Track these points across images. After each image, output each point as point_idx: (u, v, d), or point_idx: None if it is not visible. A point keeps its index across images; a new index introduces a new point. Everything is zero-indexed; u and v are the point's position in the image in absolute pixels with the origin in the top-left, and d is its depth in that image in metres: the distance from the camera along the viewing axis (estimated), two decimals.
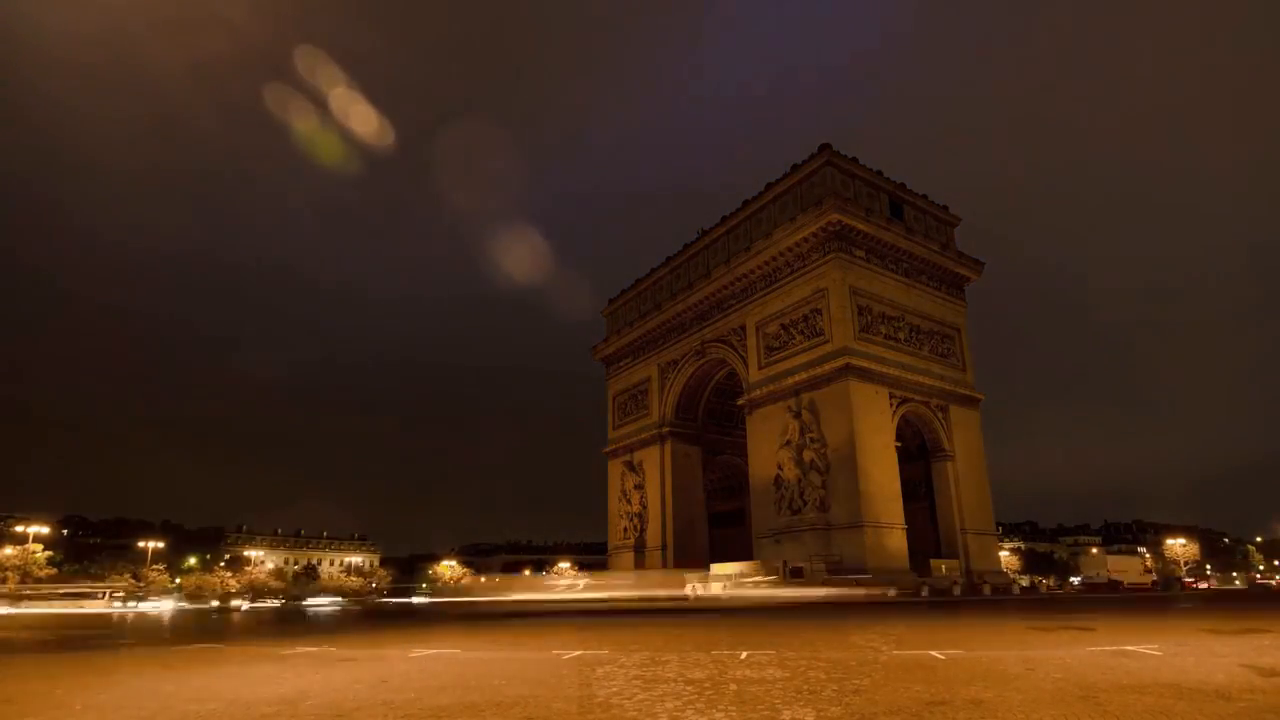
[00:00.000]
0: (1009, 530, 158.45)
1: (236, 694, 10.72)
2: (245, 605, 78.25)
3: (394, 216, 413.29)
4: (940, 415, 67.06)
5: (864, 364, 61.36)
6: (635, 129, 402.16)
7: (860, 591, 48.76)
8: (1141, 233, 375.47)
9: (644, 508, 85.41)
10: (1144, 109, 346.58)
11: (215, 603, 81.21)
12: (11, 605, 60.89)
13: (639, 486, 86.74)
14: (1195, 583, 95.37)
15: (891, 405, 63.08)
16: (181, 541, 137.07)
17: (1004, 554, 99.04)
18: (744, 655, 14.24)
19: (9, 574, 77.74)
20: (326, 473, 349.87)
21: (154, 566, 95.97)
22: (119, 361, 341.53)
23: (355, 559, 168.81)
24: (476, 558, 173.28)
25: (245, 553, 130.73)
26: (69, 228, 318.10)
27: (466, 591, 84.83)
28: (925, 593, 52.13)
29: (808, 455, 61.59)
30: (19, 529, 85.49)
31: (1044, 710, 7.96)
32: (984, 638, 18.60)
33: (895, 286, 67.59)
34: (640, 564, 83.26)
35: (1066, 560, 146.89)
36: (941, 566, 61.48)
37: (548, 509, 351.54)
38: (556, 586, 61.26)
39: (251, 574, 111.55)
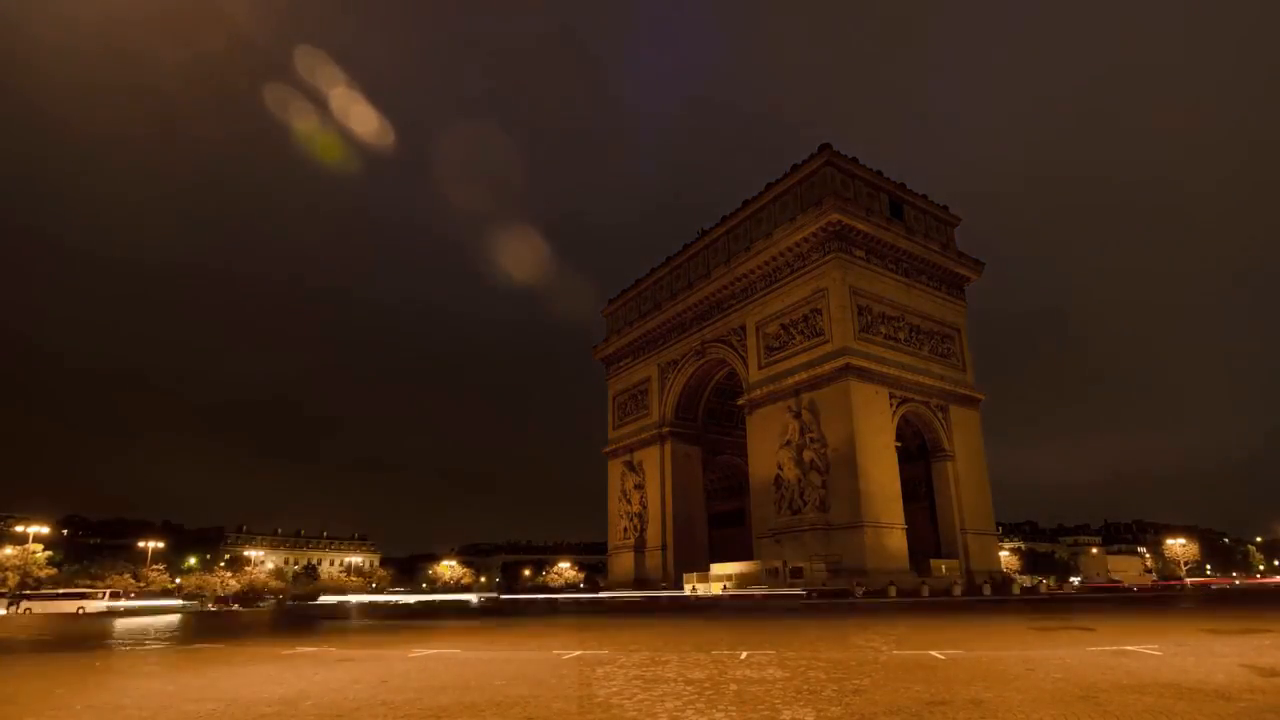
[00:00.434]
0: (1009, 530, 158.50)
1: (236, 694, 10.72)
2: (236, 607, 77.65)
3: (394, 216, 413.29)
4: (940, 415, 67.04)
5: (864, 364, 61.34)
6: (636, 129, 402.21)
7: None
8: (1141, 232, 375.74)
9: (644, 508, 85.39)
10: (1143, 116, 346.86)
11: (212, 606, 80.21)
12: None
13: (639, 486, 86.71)
14: (1183, 582, 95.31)
15: (891, 405, 63.06)
16: (181, 541, 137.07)
17: (1004, 554, 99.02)
18: (744, 655, 14.24)
19: (9, 574, 77.70)
20: (326, 473, 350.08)
21: (154, 566, 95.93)
22: (119, 361, 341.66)
23: (355, 559, 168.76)
24: (476, 558, 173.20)
25: (245, 553, 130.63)
26: (70, 228, 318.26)
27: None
28: (925, 593, 52.11)
29: (808, 455, 61.57)
30: (19, 529, 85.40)
31: (1044, 710, 7.96)
32: (984, 638, 18.60)
33: (895, 286, 67.56)
34: (640, 564, 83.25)
35: (1066, 560, 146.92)
36: (941, 566, 61.47)
37: (548, 509, 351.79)
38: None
39: (251, 574, 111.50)
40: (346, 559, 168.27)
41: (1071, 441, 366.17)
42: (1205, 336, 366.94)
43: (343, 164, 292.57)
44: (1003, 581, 66.50)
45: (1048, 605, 38.68)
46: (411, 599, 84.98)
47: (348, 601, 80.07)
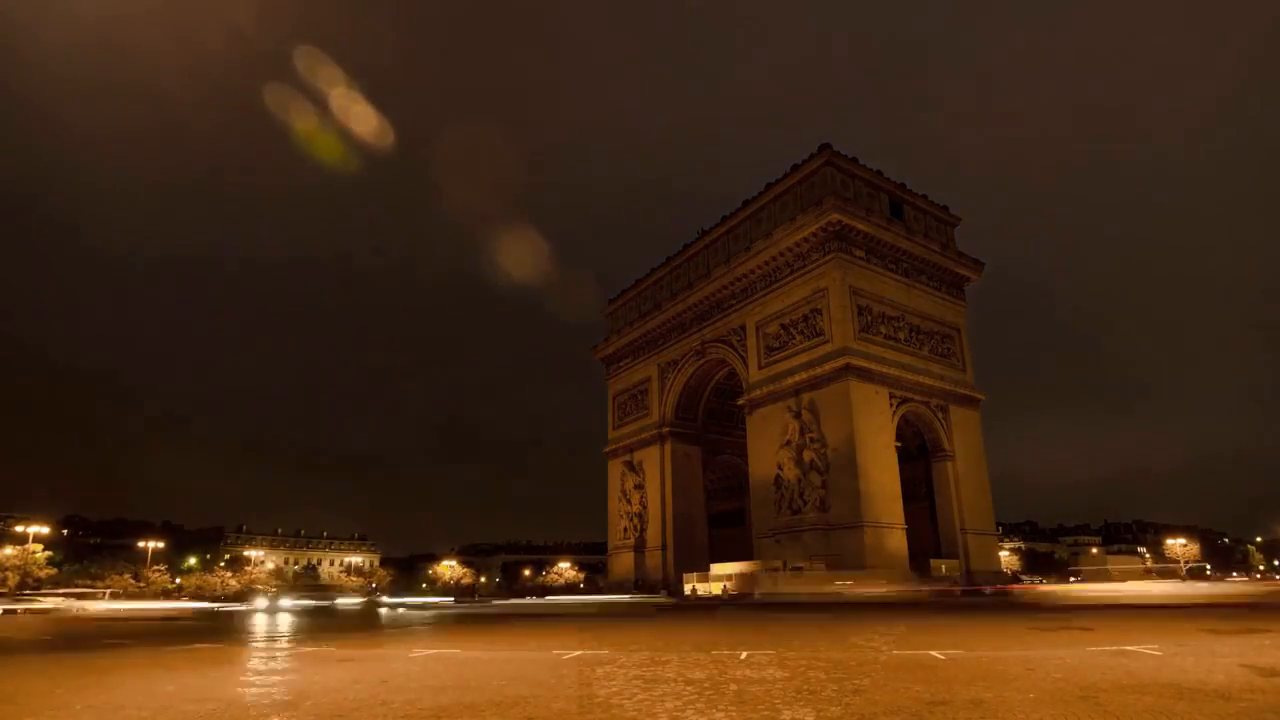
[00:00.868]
0: (1009, 530, 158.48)
1: (236, 694, 10.72)
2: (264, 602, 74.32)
3: (394, 216, 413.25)
4: (940, 415, 67.03)
5: (864, 364, 61.33)
6: (635, 128, 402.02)
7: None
8: (1141, 231, 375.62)
9: (644, 508, 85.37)
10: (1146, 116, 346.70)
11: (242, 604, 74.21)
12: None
13: (639, 486, 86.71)
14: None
15: (891, 405, 63.06)
16: (181, 541, 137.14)
17: (1004, 554, 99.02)
18: (744, 655, 14.24)
19: (9, 574, 77.67)
20: (327, 473, 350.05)
21: (154, 567, 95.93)
22: (119, 361, 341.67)
23: (355, 559, 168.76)
24: (476, 558, 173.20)
25: (245, 553, 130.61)
26: (70, 227, 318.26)
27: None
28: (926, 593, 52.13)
29: (808, 455, 61.57)
30: (19, 529, 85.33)
31: (1044, 710, 7.96)
32: (984, 638, 18.59)
33: (895, 286, 67.55)
34: (640, 564, 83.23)
35: (1067, 560, 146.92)
36: (941, 566, 61.46)
37: (548, 509, 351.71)
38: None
39: (251, 574, 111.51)
40: (346, 559, 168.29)
41: (1071, 441, 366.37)
42: (1206, 336, 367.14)
43: (342, 163, 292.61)
44: (1003, 582, 66.49)
45: (1048, 605, 38.64)
46: (352, 601, 76.83)
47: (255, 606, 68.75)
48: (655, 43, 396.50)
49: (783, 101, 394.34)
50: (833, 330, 62.73)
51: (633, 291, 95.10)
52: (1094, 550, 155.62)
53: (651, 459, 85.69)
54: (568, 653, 15.65)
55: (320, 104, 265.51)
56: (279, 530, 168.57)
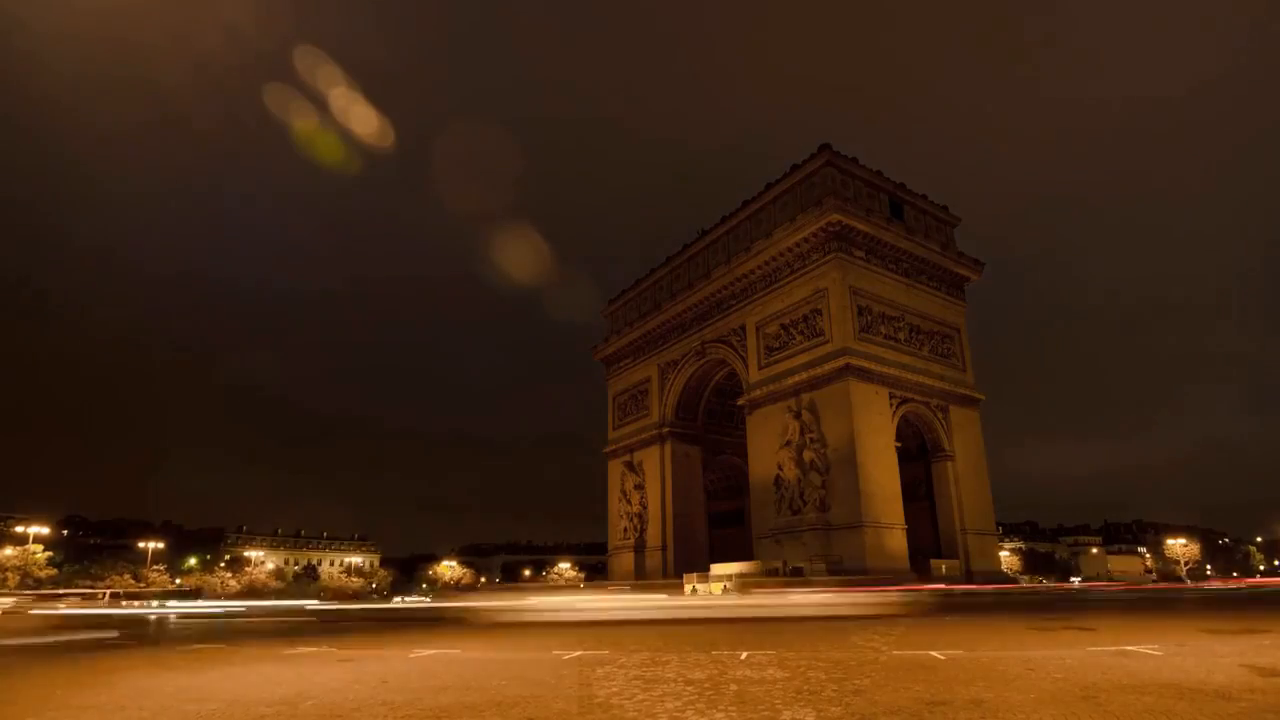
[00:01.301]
0: (1009, 530, 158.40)
1: (237, 694, 10.73)
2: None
3: (393, 217, 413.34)
4: (940, 415, 67.01)
5: (864, 364, 61.31)
6: (636, 127, 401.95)
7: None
8: (1143, 231, 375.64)
9: (644, 508, 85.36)
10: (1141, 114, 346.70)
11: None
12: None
13: (639, 487, 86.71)
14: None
15: (891, 405, 63.02)
16: (181, 541, 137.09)
17: (1004, 554, 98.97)
18: (744, 655, 14.24)
19: (9, 574, 77.69)
20: (327, 473, 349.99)
21: (154, 567, 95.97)
22: (119, 361, 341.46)
23: (355, 559, 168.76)
24: (476, 558, 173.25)
25: (245, 553, 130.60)
26: (69, 227, 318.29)
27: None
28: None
29: (808, 455, 61.56)
30: (19, 529, 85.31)
31: (1044, 710, 7.96)
32: (984, 638, 18.59)
33: (895, 286, 67.53)
34: (640, 564, 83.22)
35: (1067, 560, 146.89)
36: (942, 567, 61.42)
37: (548, 509, 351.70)
38: None
39: (251, 574, 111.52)
40: (347, 559, 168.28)
41: (1071, 441, 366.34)
42: (1207, 336, 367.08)
43: (342, 164, 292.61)
44: (1004, 583, 66.47)
45: (1048, 605, 38.63)
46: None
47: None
48: (655, 42, 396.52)
49: (783, 102, 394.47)
50: (833, 330, 62.70)
51: (632, 292, 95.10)
52: (1094, 550, 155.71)
53: (651, 459, 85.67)
54: (568, 653, 15.66)
55: (320, 104, 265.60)
56: (279, 530, 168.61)
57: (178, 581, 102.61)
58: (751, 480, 69.73)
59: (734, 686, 10.24)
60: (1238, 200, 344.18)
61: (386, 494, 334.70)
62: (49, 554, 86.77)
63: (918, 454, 67.90)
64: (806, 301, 65.95)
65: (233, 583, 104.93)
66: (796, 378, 64.35)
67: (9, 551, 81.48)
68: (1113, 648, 14.68)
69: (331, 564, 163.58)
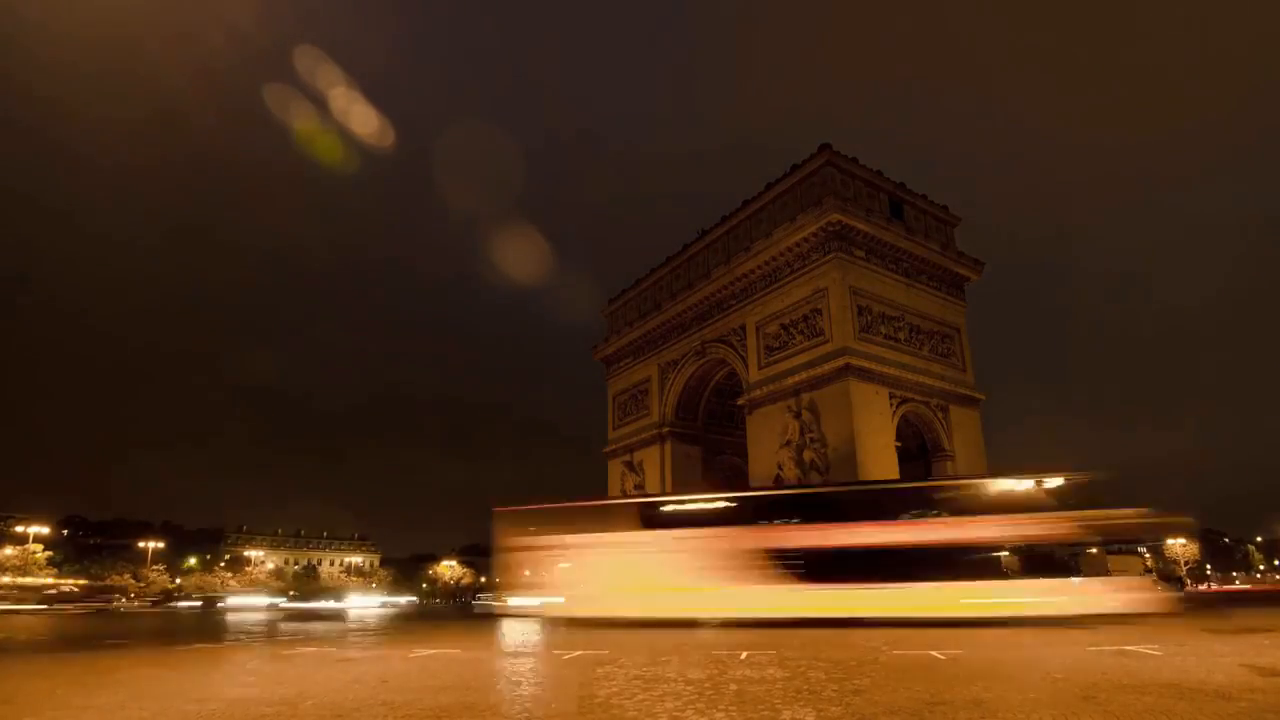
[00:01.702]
0: None
1: (237, 694, 10.72)
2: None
3: (393, 217, 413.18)
4: (940, 415, 67.01)
5: (864, 364, 61.32)
6: (636, 127, 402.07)
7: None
8: (1144, 230, 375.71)
9: None
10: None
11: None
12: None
13: (639, 487, 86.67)
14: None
15: (892, 405, 63.03)
16: (181, 541, 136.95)
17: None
18: (744, 655, 14.25)
19: (9, 574, 77.73)
20: (327, 473, 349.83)
21: (154, 567, 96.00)
22: (119, 361, 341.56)
23: (355, 559, 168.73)
24: (477, 558, 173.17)
25: (245, 553, 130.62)
26: (70, 227, 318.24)
27: None
28: None
29: (808, 455, 61.56)
30: (19, 529, 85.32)
31: (1044, 710, 7.96)
32: (984, 638, 18.60)
33: (895, 286, 67.53)
34: None
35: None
36: None
37: None
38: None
39: (251, 574, 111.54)
40: (347, 559, 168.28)
41: (1071, 441, 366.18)
42: (1207, 336, 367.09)
43: (342, 164, 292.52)
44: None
45: None
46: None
47: None
48: (656, 41, 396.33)
49: (784, 102, 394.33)
50: (833, 330, 62.71)
51: (632, 292, 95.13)
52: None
53: (651, 459, 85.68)
54: (568, 653, 15.66)
55: (320, 104, 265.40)
56: (279, 530, 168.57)
57: (177, 581, 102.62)
58: (751, 480, 69.69)
59: (734, 686, 10.25)
60: (1241, 198, 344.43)
61: (386, 494, 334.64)
62: (49, 554, 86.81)
63: (918, 454, 67.89)
64: (806, 301, 65.97)
65: (233, 582, 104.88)
66: (796, 378, 64.35)
67: (9, 551, 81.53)
68: (1112, 647, 14.68)
69: (332, 564, 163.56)
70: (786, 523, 29.94)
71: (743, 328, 73.76)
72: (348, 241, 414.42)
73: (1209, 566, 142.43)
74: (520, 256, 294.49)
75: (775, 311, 69.59)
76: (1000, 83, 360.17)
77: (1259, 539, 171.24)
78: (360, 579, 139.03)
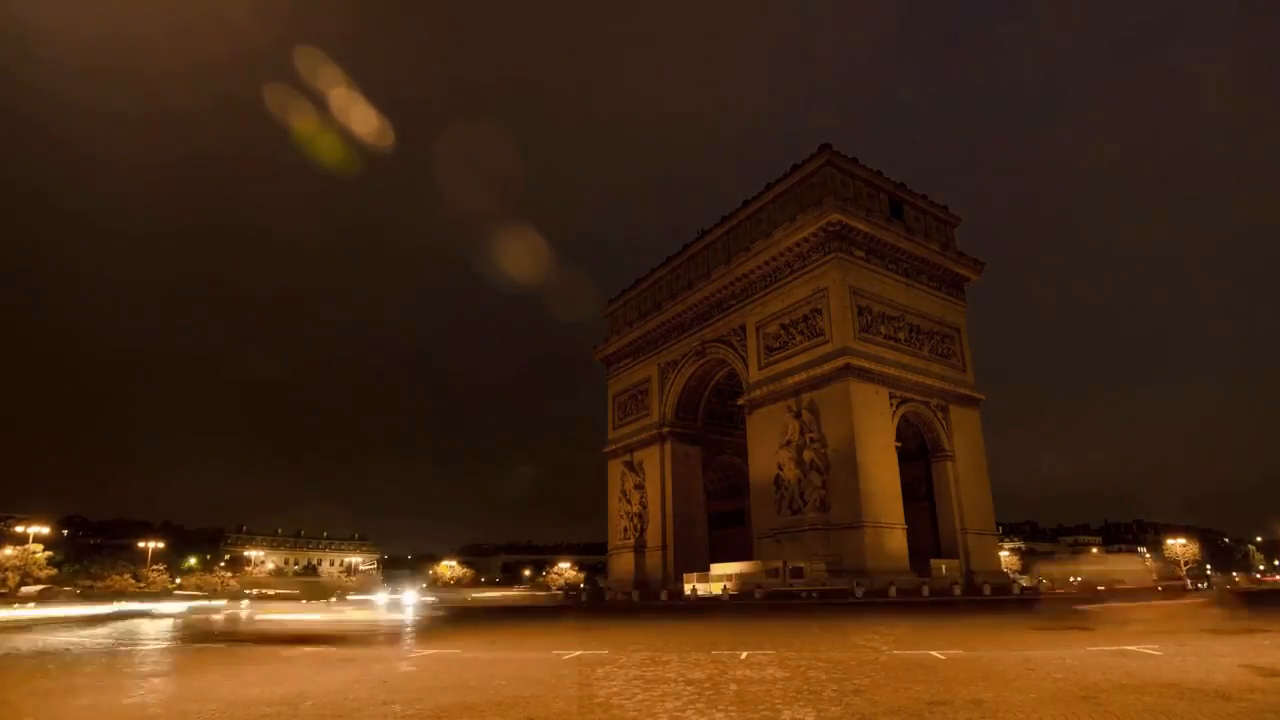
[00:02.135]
0: (1009, 530, 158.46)
1: (237, 694, 10.72)
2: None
3: (393, 217, 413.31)
4: (940, 415, 67.00)
5: (864, 364, 61.31)
6: (636, 128, 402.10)
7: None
8: (1144, 230, 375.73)
9: (644, 508, 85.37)
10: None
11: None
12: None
13: (639, 486, 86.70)
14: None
15: (891, 405, 63.02)
16: (181, 541, 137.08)
17: (1004, 554, 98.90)
18: (744, 655, 14.25)
19: (9, 574, 77.69)
20: (327, 473, 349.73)
21: (154, 567, 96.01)
22: (119, 360, 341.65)
23: (355, 559, 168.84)
24: (477, 558, 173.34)
25: (245, 553, 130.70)
26: (71, 225, 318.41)
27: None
28: (926, 593, 52.06)
29: (808, 455, 61.55)
30: (19, 529, 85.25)
31: (1044, 710, 7.96)
32: (984, 638, 18.60)
33: (895, 286, 67.52)
34: (640, 564, 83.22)
35: (1067, 560, 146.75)
36: (941, 566, 61.40)
37: (549, 509, 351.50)
38: None
39: (251, 574, 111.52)
40: (347, 559, 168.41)
41: (1071, 441, 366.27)
42: (1208, 336, 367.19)
43: (342, 164, 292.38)
44: (1003, 583, 66.39)
45: (1048, 605, 38.62)
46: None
47: None
48: (656, 41, 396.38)
49: (785, 103, 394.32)
50: (833, 330, 62.70)
51: (632, 292, 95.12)
52: (1094, 550, 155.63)
53: (652, 459, 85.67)
54: (568, 653, 15.66)
55: (320, 104, 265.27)
56: (279, 530, 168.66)
57: (177, 581, 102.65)
58: (751, 480, 69.72)
59: (734, 686, 10.25)
60: (1240, 197, 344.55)
61: (387, 494, 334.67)
62: (49, 554, 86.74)
63: (918, 454, 67.89)
64: (806, 301, 65.93)
65: (233, 582, 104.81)
66: (796, 377, 64.33)
67: (9, 551, 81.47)
68: (1113, 648, 14.69)
69: (331, 564, 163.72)
70: None
71: (743, 328, 73.76)
72: (348, 241, 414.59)
73: (1209, 566, 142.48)
74: (518, 255, 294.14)
75: (775, 311, 69.59)
76: None
77: (1259, 539, 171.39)
78: (357, 578, 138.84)
